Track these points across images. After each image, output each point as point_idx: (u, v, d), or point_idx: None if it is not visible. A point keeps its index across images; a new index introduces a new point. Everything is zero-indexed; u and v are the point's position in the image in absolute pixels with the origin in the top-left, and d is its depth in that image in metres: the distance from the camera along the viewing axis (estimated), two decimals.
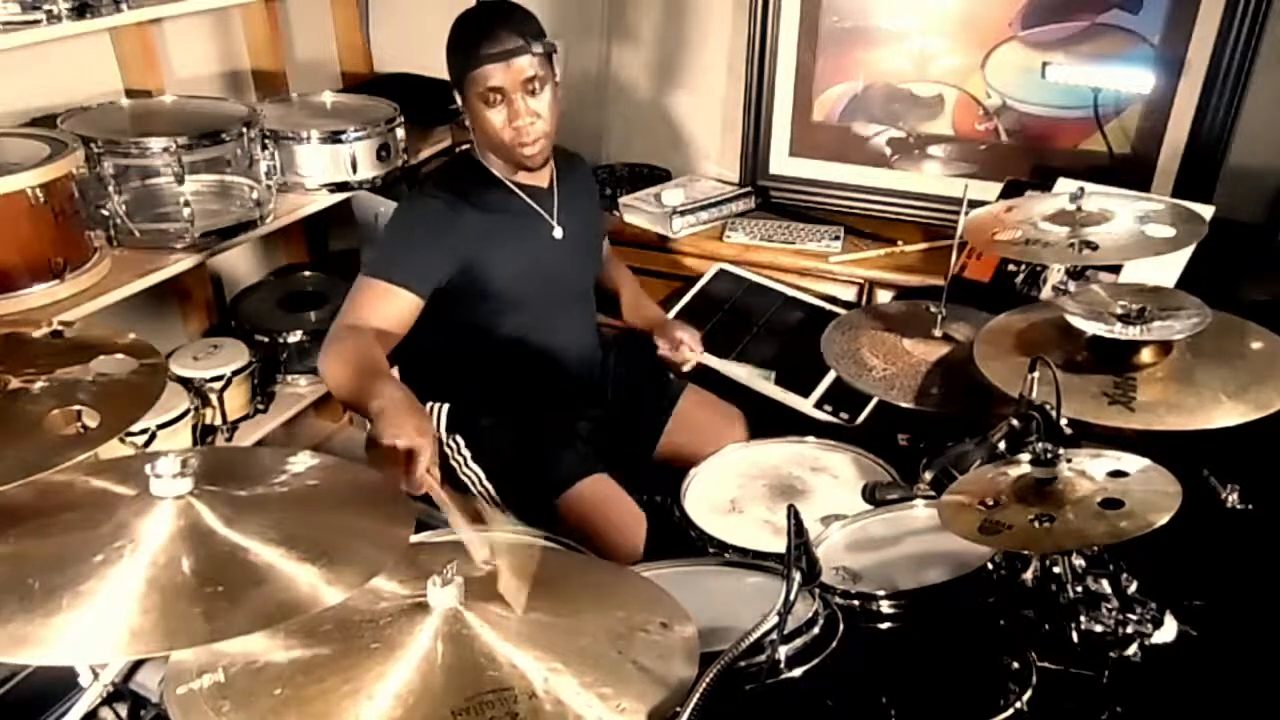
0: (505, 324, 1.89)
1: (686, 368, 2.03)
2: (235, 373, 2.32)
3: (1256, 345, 1.55)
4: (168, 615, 0.89)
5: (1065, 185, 2.03)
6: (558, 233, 1.92)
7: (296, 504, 1.09)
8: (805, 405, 2.14)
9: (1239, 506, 1.55)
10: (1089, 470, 1.27)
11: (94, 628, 0.87)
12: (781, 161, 2.87)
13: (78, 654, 0.93)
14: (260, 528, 1.00)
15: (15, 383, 1.21)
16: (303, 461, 1.18)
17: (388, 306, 1.73)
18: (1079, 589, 1.29)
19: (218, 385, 2.30)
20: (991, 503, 1.26)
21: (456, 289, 1.80)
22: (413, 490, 1.36)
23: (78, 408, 1.19)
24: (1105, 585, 1.30)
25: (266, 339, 2.50)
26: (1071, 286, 1.97)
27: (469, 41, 1.75)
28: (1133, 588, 1.31)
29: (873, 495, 1.53)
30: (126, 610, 0.89)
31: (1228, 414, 1.40)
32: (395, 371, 1.75)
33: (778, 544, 1.11)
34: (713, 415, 2.06)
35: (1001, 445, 1.41)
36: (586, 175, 2.14)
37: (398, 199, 2.39)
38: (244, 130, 2.17)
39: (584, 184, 2.08)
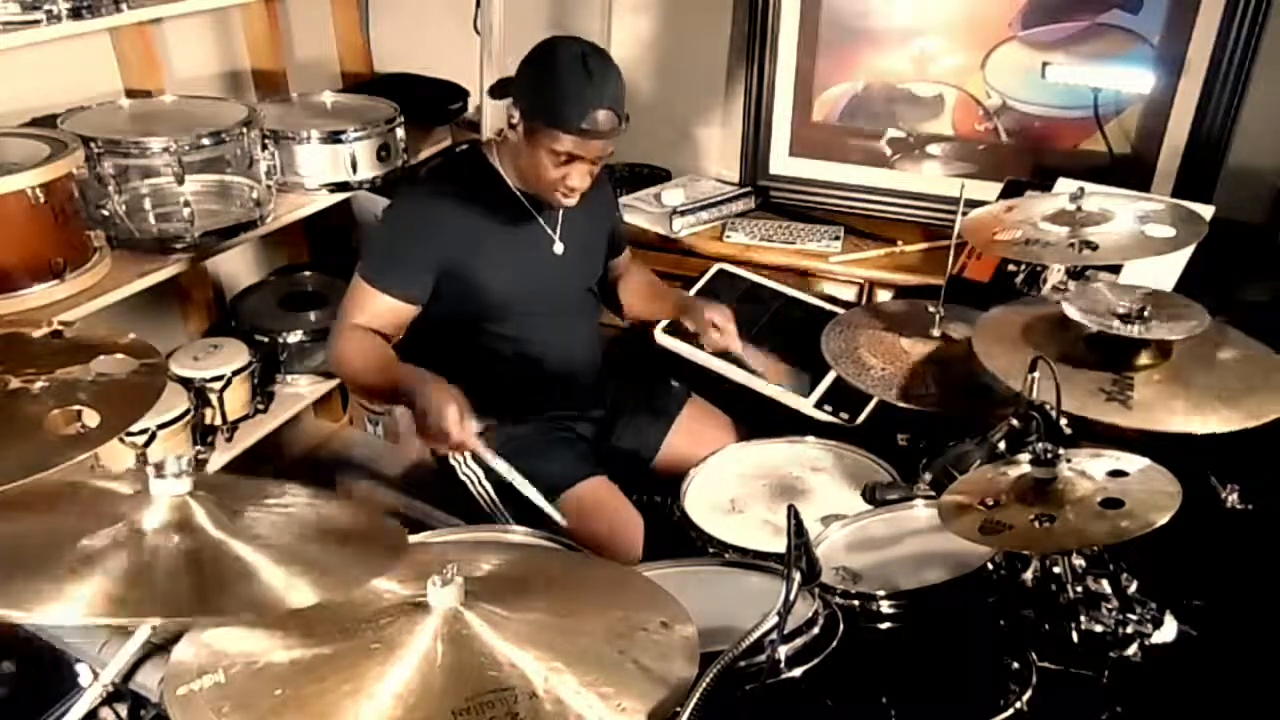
0: (498, 329, 1.88)
1: (732, 348, 1.99)
2: (235, 373, 2.32)
3: (1250, 355, 1.56)
4: (157, 589, 0.92)
5: (1065, 185, 2.03)
6: (558, 248, 1.90)
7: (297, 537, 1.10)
8: (805, 405, 2.13)
9: (1239, 506, 1.56)
10: (1089, 470, 1.27)
11: (85, 597, 0.89)
12: (781, 161, 2.87)
13: (67, 615, 0.93)
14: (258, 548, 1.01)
15: (15, 383, 1.21)
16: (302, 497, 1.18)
17: (378, 310, 1.76)
18: (1079, 589, 1.29)
19: (218, 385, 2.30)
20: (991, 503, 1.26)
21: (445, 290, 1.80)
22: (466, 444, 1.59)
23: (78, 408, 1.19)
24: (1105, 585, 1.30)
25: (266, 339, 2.49)
26: (1071, 287, 1.96)
27: (567, 100, 1.63)
28: (1133, 588, 1.31)
29: (873, 495, 1.53)
30: (117, 582, 0.91)
31: (1225, 421, 1.41)
32: None
33: (778, 544, 1.11)
34: (714, 427, 2.05)
35: (1001, 445, 1.41)
36: (602, 185, 1.99)
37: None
38: (244, 130, 2.16)
39: (598, 195, 1.94)
